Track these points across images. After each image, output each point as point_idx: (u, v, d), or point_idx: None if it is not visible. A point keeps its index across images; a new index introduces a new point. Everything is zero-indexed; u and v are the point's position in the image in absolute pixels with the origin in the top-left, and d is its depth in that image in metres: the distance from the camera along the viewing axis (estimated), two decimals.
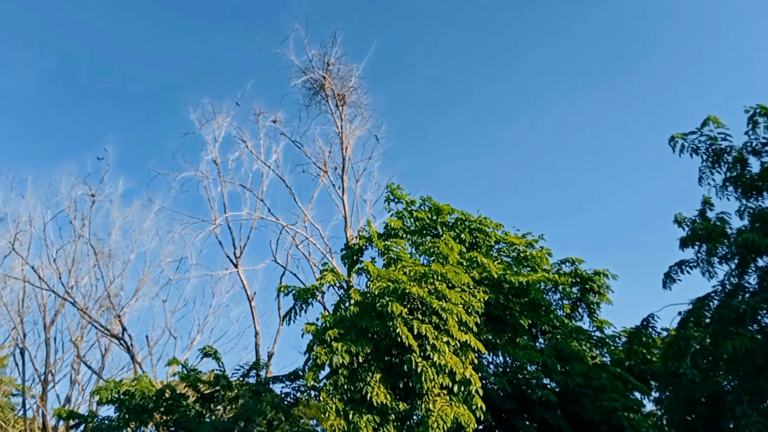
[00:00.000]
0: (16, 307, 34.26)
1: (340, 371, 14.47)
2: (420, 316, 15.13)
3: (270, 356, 28.34)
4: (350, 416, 13.83)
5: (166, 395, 19.86)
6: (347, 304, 16.97)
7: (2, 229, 34.43)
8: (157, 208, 34.31)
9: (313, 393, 14.98)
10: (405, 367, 14.25)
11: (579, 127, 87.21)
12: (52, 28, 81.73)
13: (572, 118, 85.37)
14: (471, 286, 16.53)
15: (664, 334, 19.22)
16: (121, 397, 19.48)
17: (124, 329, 29.95)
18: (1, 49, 76.65)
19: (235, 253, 30.06)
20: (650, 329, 18.52)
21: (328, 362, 14.33)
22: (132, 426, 20.15)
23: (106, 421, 20.07)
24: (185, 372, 20.47)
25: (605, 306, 20.53)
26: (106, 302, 32.24)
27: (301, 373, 19.51)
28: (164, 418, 20.13)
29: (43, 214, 34.76)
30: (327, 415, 14.01)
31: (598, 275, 20.36)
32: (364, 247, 19.85)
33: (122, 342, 29.51)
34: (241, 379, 21.43)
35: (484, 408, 14.37)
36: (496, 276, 17.97)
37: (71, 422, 25.32)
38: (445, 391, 14.34)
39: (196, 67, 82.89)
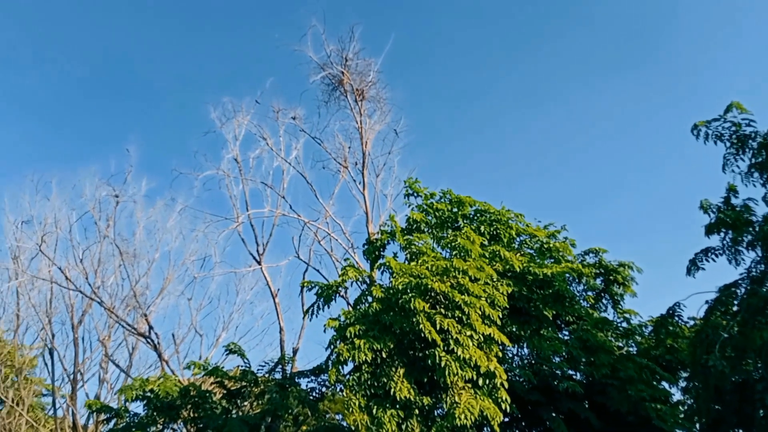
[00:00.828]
0: (45, 308, 34.76)
1: (363, 368, 14.54)
2: (443, 311, 15.12)
3: (295, 352, 28.46)
4: (374, 411, 13.88)
5: (192, 393, 20.09)
6: (369, 300, 16.99)
7: (29, 232, 35.02)
8: (180, 207, 34.51)
9: (338, 387, 15.06)
10: (429, 361, 14.27)
11: (600, 118, 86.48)
12: (73, 31, 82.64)
13: (593, 109, 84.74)
14: (494, 279, 16.49)
15: (691, 323, 19.04)
16: (147, 394, 19.76)
17: (150, 328, 30.25)
18: (24, 53, 77.81)
19: (258, 251, 30.23)
20: (676, 318, 18.35)
21: (350, 358, 14.38)
22: (161, 423, 20.44)
23: (135, 419, 20.41)
24: (208, 369, 20.69)
25: (629, 296, 20.39)
26: (133, 301, 32.59)
27: (324, 368, 19.60)
28: (191, 415, 20.37)
29: (69, 216, 35.16)
30: (350, 410, 14.06)
31: (622, 267, 20.15)
32: (386, 242, 19.87)
33: (149, 340, 29.81)
34: (266, 374, 21.60)
35: (509, 401, 14.35)
36: (518, 269, 17.90)
37: (102, 416, 25.80)
38: (469, 385, 14.34)
39: (215, 66, 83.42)
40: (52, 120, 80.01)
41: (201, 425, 20.40)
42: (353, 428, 14.35)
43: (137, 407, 20.91)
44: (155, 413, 20.12)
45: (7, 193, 37.08)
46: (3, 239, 36.83)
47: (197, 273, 34.87)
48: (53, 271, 33.53)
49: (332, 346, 15.61)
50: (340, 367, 14.84)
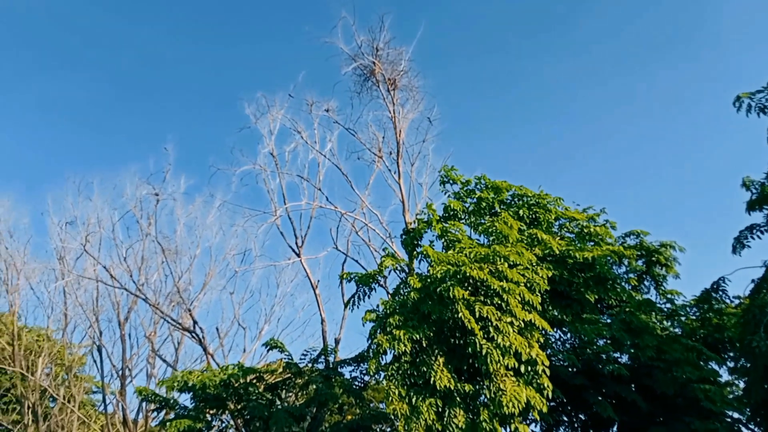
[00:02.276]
0: (91, 307, 35.50)
1: (402, 358, 14.58)
2: (482, 298, 15.06)
3: (337, 342, 28.66)
4: (413, 400, 13.90)
5: (235, 384, 20.41)
6: (407, 289, 17.01)
7: (73, 232, 35.77)
8: (219, 203, 34.91)
9: (382, 374, 15.13)
10: (469, 349, 14.22)
11: (635, 98, 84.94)
12: (110, 35, 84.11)
13: (628, 89, 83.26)
14: (533, 264, 16.37)
15: (736, 302, 18.72)
16: (189, 386, 20.13)
17: (195, 322, 30.69)
18: (62, 58, 79.46)
19: (296, 243, 30.44)
20: (721, 292, 18.03)
21: (390, 348, 14.41)
22: (209, 414, 20.84)
23: (183, 412, 20.84)
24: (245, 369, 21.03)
25: (672, 277, 20.06)
26: (176, 297, 33.13)
27: (365, 356, 19.72)
28: (237, 406, 20.72)
29: (111, 215, 35.75)
30: (390, 399, 14.14)
31: (664, 247, 19.84)
32: (423, 231, 19.85)
33: (194, 335, 30.24)
34: (309, 365, 21.82)
35: (551, 387, 14.24)
36: (558, 253, 17.75)
37: (152, 407, 26.38)
38: (511, 372, 14.26)
39: (248, 62, 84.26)
40: (92, 123, 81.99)
41: (247, 417, 20.76)
42: (393, 417, 14.42)
43: (185, 400, 21.38)
44: (202, 405, 20.54)
45: (51, 195, 37.76)
46: (48, 240, 37.78)
47: (238, 267, 35.31)
48: (98, 270, 34.17)
49: (372, 337, 15.67)
50: (379, 358, 14.89)
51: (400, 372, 14.42)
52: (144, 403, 32.98)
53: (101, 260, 34.03)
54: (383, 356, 14.96)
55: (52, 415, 35.63)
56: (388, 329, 14.62)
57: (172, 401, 21.30)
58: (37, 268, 36.90)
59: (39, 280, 37.52)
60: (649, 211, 74.86)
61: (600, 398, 16.68)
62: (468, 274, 14.93)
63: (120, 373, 34.19)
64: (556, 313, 17.48)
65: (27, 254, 36.90)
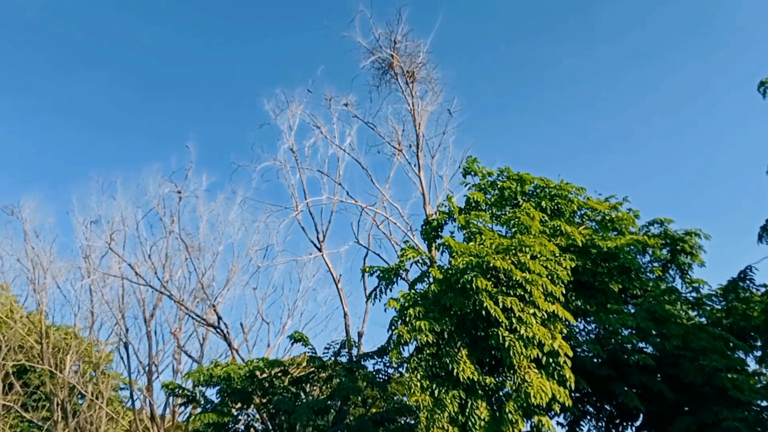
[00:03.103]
0: (117, 304, 35.98)
1: (425, 349, 14.54)
2: (504, 289, 15.00)
3: (360, 336, 28.76)
4: (436, 392, 13.84)
5: (260, 376, 20.56)
6: (429, 281, 16.97)
7: (98, 231, 36.24)
8: (241, 199, 35.29)
9: (405, 366, 15.12)
10: (491, 341, 14.14)
11: (658, 88, 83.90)
12: (129, 35, 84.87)
13: (651, 79, 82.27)
14: (556, 255, 16.25)
15: (763, 290, 18.46)
16: (215, 378, 20.32)
17: (219, 318, 30.97)
18: (83, 58, 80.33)
19: (318, 238, 30.57)
20: (748, 281, 17.77)
21: (411, 340, 14.36)
22: (235, 408, 21.02)
23: (209, 406, 21.05)
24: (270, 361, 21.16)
25: (697, 266, 19.79)
26: (200, 293, 33.47)
27: (387, 349, 19.73)
28: (263, 400, 20.87)
29: (135, 214, 36.24)
30: (412, 391, 14.11)
31: (689, 235, 19.55)
32: (443, 223, 19.77)
33: (218, 330, 30.52)
34: (332, 358, 21.90)
35: (573, 379, 14.11)
36: (581, 243, 17.59)
37: (178, 401, 26.61)
38: (533, 364, 14.16)
39: (267, 58, 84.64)
40: (114, 123, 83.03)
41: (273, 410, 20.91)
42: (415, 408, 14.39)
43: (211, 394, 21.59)
44: (227, 399, 20.72)
45: (76, 195, 38.42)
46: (74, 239, 38.40)
47: (260, 263, 35.58)
48: (123, 267, 34.65)
49: (393, 327, 15.64)
50: (401, 348, 14.86)
51: (422, 363, 14.39)
52: (171, 399, 33.37)
53: (126, 258, 34.57)
54: (404, 347, 14.95)
55: (80, 411, 36.16)
56: (409, 320, 14.61)
57: (198, 395, 21.54)
58: (64, 267, 37.50)
59: (65, 279, 38.16)
60: (673, 200, 74.11)
61: (626, 388, 16.55)
62: (491, 265, 14.85)
63: (146, 369, 34.64)
64: (579, 304, 17.35)
65: (53, 253, 37.58)
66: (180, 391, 22.11)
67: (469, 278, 14.56)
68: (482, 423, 13.58)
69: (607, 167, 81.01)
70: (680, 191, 77.38)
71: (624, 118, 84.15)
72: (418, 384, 14.09)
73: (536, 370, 14.07)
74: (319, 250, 30.43)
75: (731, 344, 17.06)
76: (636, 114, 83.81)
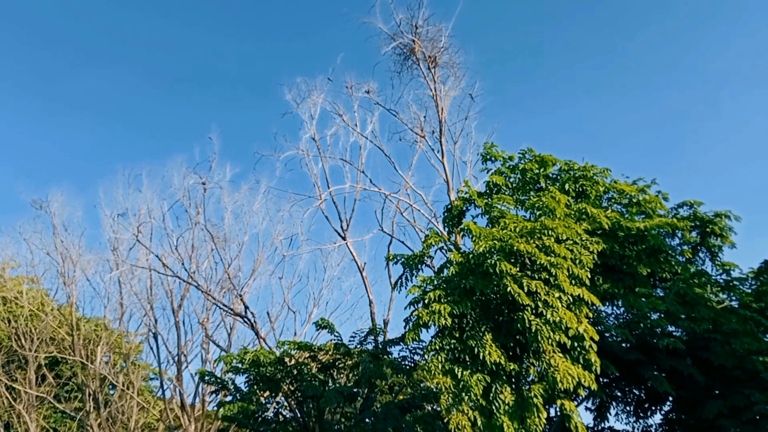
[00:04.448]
0: (146, 295, 36.34)
1: (446, 332, 14.44)
2: (529, 273, 14.84)
3: (386, 323, 28.73)
4: (459, 374, 13.72)
5: (288, 362, 20.68)
6: (450, 265, 16.84)
7: (125, 223, 36.67)
8: (264, 189, 35.43)
9: (432, 352, 15.03)
10: (517, 325, 14.00)
11: (682, 65, 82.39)
12: (152, 28, 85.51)
13: (678, 59, 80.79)
14: (583, 238, 16.02)
15: None
16: (244, 366, 20.49)
17: (246, 307, 31.13)
18: (108, 53, 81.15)
19: (342, 226, 30.56)
20: None
21: (430, 322, 14.25)
22: (263, 396, 21.18)
23: (238, 394, 21.24)
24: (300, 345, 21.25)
25: (728, 248, 19.40)
26: (227, 283, 33.71)
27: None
28: (291, 387, 20.99)
29: (161, 206, 36.50)
30: (433, 373, 14.05)
31: (719, 217, 19.12)
32: (464, 208, 19.58)
33: (246, 320, 30.68)
34: (359, 346, 21.93)
35: (599, 363, 13.90)
36: (607, 227, 17.31)
37: (208, 389, 26.91)
38: (558, 349, 13.99)
39: (287, 48, 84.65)
40: (138, 117, 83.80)
41: (300, 397, 21.03)
42: (436, 390, 14.29)
43: (240, 383, 21.79)
44: (256, 387, 20.89)
45: (102, 188, 38.80)
46: (102, 232, 38.88)
47: (285, 252, 35.58)
48: (151, 259, 35.03)
49: (413, 308, 15.52)
50: (419, 330, 14.73)
51: (443, 346, 14.31)
52: (201, 388, 33.77)
53: (153, 250, 34.97)
54: (423, 330, 14.81)
55: (112, 401, 36.68)
56: (427, 302, 14.51)
57: (229, 383, 21.78)
58: (92, 260, 37.89)
59: (94, 272, 38.52)
60: (703, 182, 72.85)
61: (656, 372, 16.33)
62: (515, 248, 14.69)
63: (176, 359, 34.98)
64: (607, 288, 17.10)
65: (82, 247, 37.97)
66: (212, 379, 22.37)
67: (493, 262, 14.41)
68: (506, 408, 13.49)
69: (635, 149, 79.93)
70: (710, 173, 76.04)
71: (651, 99, 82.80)
72: (439, 366, 14.03)
73: (561, 355, 13.91)
74: (343, 238, 30.41)
75: (762, 327, 16.74)
76: (663, 95, 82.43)
